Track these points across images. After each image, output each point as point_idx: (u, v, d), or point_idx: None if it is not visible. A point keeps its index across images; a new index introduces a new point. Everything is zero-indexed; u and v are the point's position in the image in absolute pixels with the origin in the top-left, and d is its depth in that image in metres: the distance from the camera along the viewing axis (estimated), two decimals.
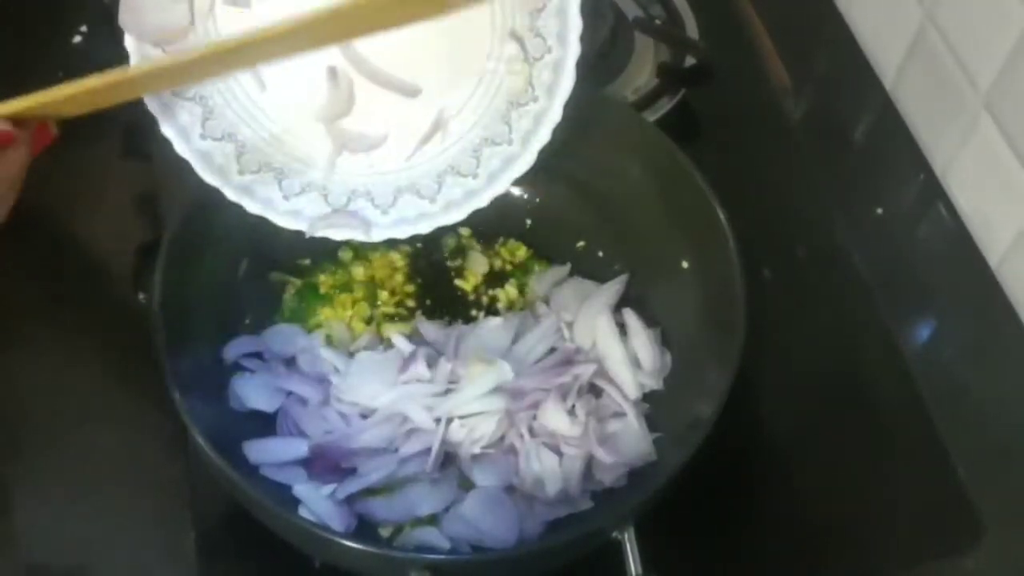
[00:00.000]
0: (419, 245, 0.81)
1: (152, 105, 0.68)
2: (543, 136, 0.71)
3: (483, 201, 0.73)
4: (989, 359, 0.76)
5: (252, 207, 0.71)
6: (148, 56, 0.67)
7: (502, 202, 0.77)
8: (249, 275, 0.77)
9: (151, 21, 0.66)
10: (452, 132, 0.73)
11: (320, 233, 0.73)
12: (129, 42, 0.67)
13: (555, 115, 0.70)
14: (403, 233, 0.73)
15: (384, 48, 0.69)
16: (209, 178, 0.70)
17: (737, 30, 0.98)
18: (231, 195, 0.70)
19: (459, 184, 0.73)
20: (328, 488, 0.68)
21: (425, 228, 0.73)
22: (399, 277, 0.80)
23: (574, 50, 0.69)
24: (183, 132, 0.69)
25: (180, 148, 0.69)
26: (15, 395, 0.75)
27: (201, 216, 0.72)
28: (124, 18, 0.66)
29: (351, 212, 0.73)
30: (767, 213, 0.84)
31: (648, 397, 0.73)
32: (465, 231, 0.81)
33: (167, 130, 0.69)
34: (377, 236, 0.73)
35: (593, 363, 0.73)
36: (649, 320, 0.76)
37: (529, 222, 0.82)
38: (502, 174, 0.72)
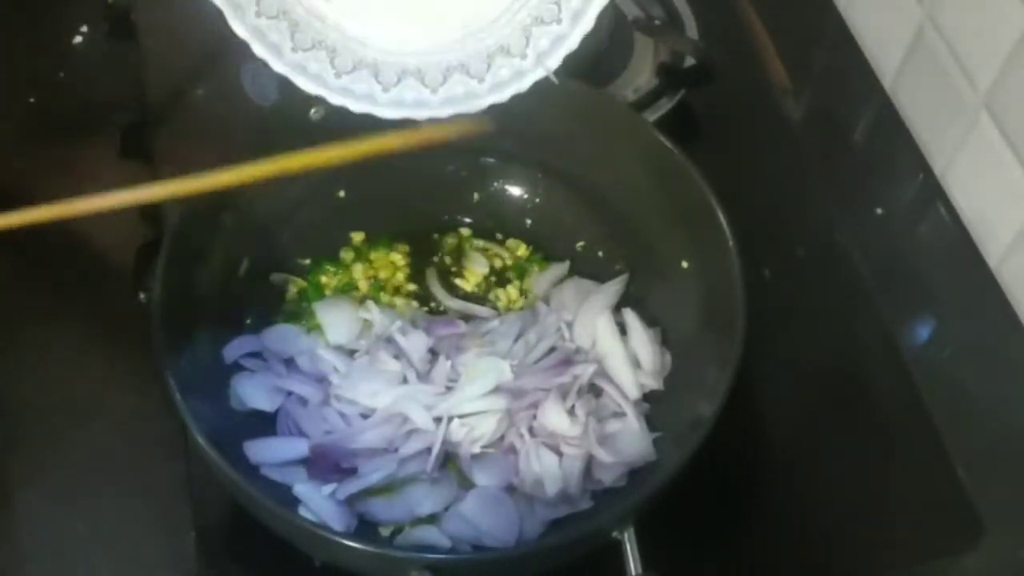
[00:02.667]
0: (415, 247, 0.81)
1: None
2: (591, 16, 0.68)
3: (528, 83, 0.71)
4: (989, 359, 0.76)
5: (305, 84, 0.71)
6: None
7: (502, 202, 0.77)
8: (249, 275, 0.77)
9: None
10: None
11: (373, 111, 0.72)
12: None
13: None
14: (450, 111, 0.72)
15: None
16: (263, 53, 0.70)
17: (737, 30, 0.98)
18: (284, 70, 0.71)
19: (508, 64, 0.71)
20: (328, 488, 0.68)
21: (472, 107, 0.72)
22: (400, 277, 0.80)
23: None
24: (238, 8, 0.69)
25: (235, 24, 0.69)
26: (16, 394, 0.75)
27: (201, 216, 0.72)
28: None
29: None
30: (767, 213, 0.84)
31: (648, 397, 0.73)
32: (465, 231, 0.82)
33: (222, 4, 0.69)
34: (426, 114, 0.72)
35: (593, 363, 0.73)
36: (649, 320, 0.76)
37: (529, 222, 0.82)
38: (551, 54, 0.70)
